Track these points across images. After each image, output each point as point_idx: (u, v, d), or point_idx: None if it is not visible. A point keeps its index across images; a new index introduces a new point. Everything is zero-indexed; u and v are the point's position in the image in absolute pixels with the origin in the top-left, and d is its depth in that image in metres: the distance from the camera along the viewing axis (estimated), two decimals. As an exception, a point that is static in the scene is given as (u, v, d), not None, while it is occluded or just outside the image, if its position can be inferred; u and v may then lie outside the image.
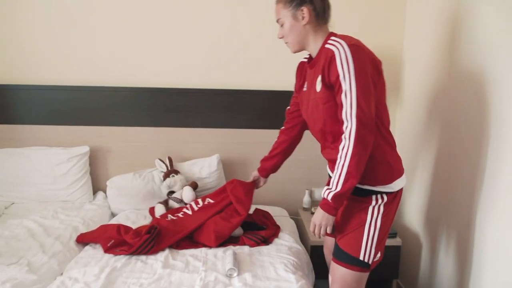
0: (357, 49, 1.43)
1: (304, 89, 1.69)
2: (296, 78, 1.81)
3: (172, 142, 2.62)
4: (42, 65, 2.55)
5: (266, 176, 2.09)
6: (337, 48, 1.43)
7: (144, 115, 2.58)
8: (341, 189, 1.44)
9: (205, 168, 2.51)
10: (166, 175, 2.38)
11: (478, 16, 1.80)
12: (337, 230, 1.65)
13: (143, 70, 2.59)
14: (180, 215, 2.16)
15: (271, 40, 2.57)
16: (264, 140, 2.63)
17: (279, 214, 2.45)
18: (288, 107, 1.95)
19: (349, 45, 1.42)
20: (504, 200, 1.61)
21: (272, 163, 2.03)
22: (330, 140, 1.59)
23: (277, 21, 1.60)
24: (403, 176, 1.62)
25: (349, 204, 1.61)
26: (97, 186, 2.62)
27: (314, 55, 1.60)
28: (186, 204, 2.30)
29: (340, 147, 1.45)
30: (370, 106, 1.42)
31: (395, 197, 1.60)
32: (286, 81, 2.59)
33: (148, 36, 2.56)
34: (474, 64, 1.82)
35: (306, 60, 1.72)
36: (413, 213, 2.43)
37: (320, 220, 1.52)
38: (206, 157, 2.58)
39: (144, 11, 2.53)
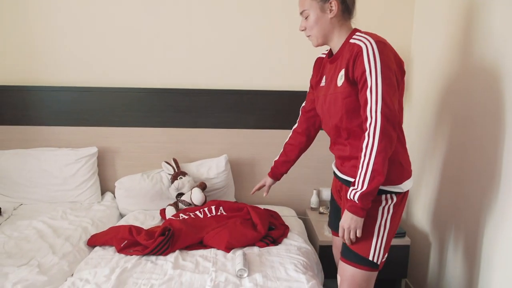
0: (384, 46, 1.43)
1: (322, 84, 1.67)
2: (313, 73, 1.77)
3: (181, 142, 2.62)
4: (51, 66, 2.56)
5: (279, 179, 2.01)
6: (365, 44, 1.43)
7: (152, 115, 2.59)
8: (367, 187, 1.41)
9: (213, 169, 2.51)
10: (174, 178, 2.38)
11: (491, 9, 1.79)
12: None
13: (152, 71, 2.59)
14: (192, 215, 2.16)
15: (280, 40, 2.59)
16: (272, 140, 2.64)
17: (287, 214, 2.45)
18: (303, 104, 1.91)
19: (376, 42, 1.42)
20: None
21: (288, 166, 1.96)
22: (344, 136, 1.57)
23: (301, 13, 1.57)
24: (411, 177, 1.62)
25: None
26: (105, 187, 2.62)
27: (336, 49, 1.58)
28: (196, 206, 2.30)
29: (364, 144, 1.42)
30: (394, 103, 1.42)
31: (403, 198, 1.59)
32: (294, 82, 2.61)
33: (157, 36, 2.56)
34: (488, 59, 1.79)
35: (324, 55, 1.71)
36: (422, 213, 2.42)
37: (348, 223, 1.47)
38: (214, 158, 2.58)
39: (154, 12, 2.53)
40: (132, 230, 1.96)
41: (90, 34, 2.54)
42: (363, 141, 1.43)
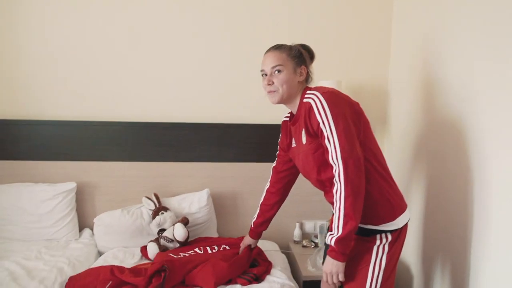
0: (331, 95, 1.50)
1: (293, 145, 1.73)
2: (282, 136, 1.84)
3: (162, 176, 2.59)
4: (29, 99, 2.52)
5: (260, 237, 2.07)
6: (313, 99, 1.51)
7: (133, 149, 2.56)
8: (342, 232, 1.43)
9: (195, 203, 2.47)
10: (155, 213, 2.34)
11: (454, 55, 1.85)
12: None
13: (134, 105, 2.58)
14: (191, 253, 2.13)
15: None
16: (254, 173, 2.63)
17: (270, 248, 2.41)
18: (274, 165, 1.95)
19: (323, 94, 1.50)
20: (496, 231, 1.61)
21: (267, 225, 2.01)
22: (328, 186, 1.59)
23: (274, 67, 1.60)
24: (406, 211, 1.63)
25: (354, 244, 1.57)
26: (84, 223, 2.55)
27: (294, 111, 1.66)
28: (178, 242, 2.26)
29: (334, 190, 1.46)
30: (354, 146, 1.45)
31: (399, 234, 1.60)
32: (274, 115, 2.62)
33: (139, 70, 2.56)
34: (451, 108, 1.86)
35: (287, 118, 1.78)
36: (407, 245, 2.41)
37: (330, 268, 1.49)
38: (196, 192, 2.54)
39: (135, 46, 2.54)
40: (114, 270, 1.89)
41: (69, 67, 2.53)
42: (333, 188, 1.47)
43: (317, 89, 1.56)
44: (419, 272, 2.24)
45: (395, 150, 2.57)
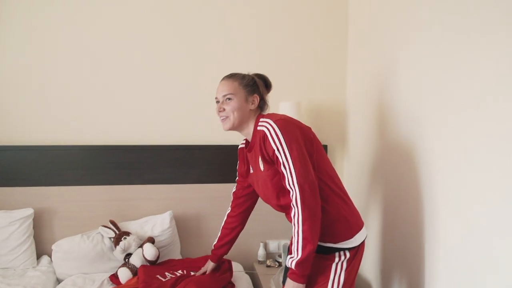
0: (283, 123, 1.56)
1: (251, 171, 1.78)
2: (239, 163, 1.89)
3: (124, 200, 2.56)
4: (-16, 125, 2.46)
5: (221, 260, 2.12)
6: (266, 127, 1.56)
7: (93, 173, 2.53)
8: (301, 255, 1.47)
9: (158, 226, 2.46)
10: (118, 239, 2.29)
11: (407, 81, 1.97)
12: None
13: (94, 128, 2.56)
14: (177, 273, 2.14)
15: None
16: (217, 194, 2.65)
17: (234, 269, 2.41)
18: (234, 190, 2.00)
19: (275, 121, 1.55)
20: (445, 245, 1.69)
21: (226, 248, 2.04)
22: (289, 209, 1.62)
23: (226, 95, 1.66)
24: (363, 229, 1.69)
25: (313, 261, 1.60)
26: (42, 250, 2.47)
27: (249, 138, 1.71)
28: (149, 262, 2.26)
29: (292, 214, 1.51)
30: (308, 170, 1.51)
31: (357, 252, 1.65)
32: (237, 136, 2.66)
33: (99, 93, 2.56)
34: (402, 131, 1.96)
35: (243, 145, 1.82)
36: (367, 262, 2.48)
37: None
38: (158, 214, 2.53)
39: (96, 69, 2.54)
40: None
41: (26, 90, 2.49)
42: (291, 212, 1.51)
43: (269, 116, 1.62)
44: (379, 285, 2.30)
45: (354, 169, 2.65)
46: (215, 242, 2.04)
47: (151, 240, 2.35)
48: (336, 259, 1.61)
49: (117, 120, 2.59)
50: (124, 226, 2.44)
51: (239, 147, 1.88)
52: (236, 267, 2.49)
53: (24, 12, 2.45)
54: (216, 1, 2.65)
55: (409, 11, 1.97)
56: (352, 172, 2.69)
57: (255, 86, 1.70)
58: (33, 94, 2.50)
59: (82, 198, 2.52)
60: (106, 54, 2.55)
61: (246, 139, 1.78)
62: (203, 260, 2.35)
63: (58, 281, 2.31)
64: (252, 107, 1.68)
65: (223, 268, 2.18)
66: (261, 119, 1.63)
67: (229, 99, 1.65)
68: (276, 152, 1.52)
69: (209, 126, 2.67)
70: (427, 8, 1.81)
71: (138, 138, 2.60)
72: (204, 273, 2.09)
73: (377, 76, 2.32)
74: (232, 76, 1.70)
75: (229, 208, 2.02)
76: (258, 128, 1.62)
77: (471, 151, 1.52)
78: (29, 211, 2.39)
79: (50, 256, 2.40)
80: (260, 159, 1.62)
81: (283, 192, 1.61)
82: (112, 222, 2.38)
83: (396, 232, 2.11)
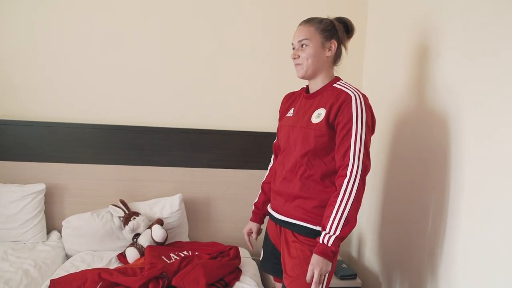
0: (368, 102, 1.54)
1: (289, 114, 1.70)
2: (281, 106, 1.80)
3: (134, 180, 2.57)
4: (-1, 98, 2.48)
5: (263, 221, 1.94)
6: (354, 95, 1.51)
7: (105, 152, 2.53)
8: (340, 232, 1.44)
9: (167, 208, 2.47)
10: (127, 219, 2.31)
11: (443, 59, 1.93)
12: (286, 273, 1.61)
13: (108, 108, 2.56)
14: (175, 256, 2.14)
15: (238, 80, 2.65)
16: (227, 180, 2.65)
17: (241, 255, 2.42)
18: (275, 141, 1.89)
19: (363, 95, 1.53)
20: (448, 241, 1.68)
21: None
22: (300, 172, 1.59)
23: (300, 40, 1.59)
24: None
25: (299, 246, 1.57)
26: (52, 226, 2.50)
27: (316, 88, 1.63)
28: (157, 243, 2.27)
29: (342, 190, 1.46)
30: (369, 154, 1.51)
31: None
32: (251, 122, 2.66)
33: (114, 73, 2.55)
34: (437, 105, 1.87)
35: (296, 91, 1.77)
36: (372, 253, 2.48)
37: (320, 266, 1.46)
38: (168, 197, 2.54)
39: (111, 49, 2.53)
40: (102, 273, 1.86)
41: (41, 66, 2.49)
42: (340, 187, 1.47)
43: (355, 87, 1.58)
44: (384, 278, 2.30)
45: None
46: (255, 201, 1.92)
47: (160, 222, 2.36)
48: None
49: (131, 101, 2.58)
50: (134, 206, 2.45)
51: (287, 93, 1.81)
52: (243, 253, 2.50)
53: (43, -13, 2.45)
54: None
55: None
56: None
57: (334, 30, 1.59)
58: (49, 71, 2.50)
59: (93, 176, 2.53)
60: (120, 33, 2.53)
61: (307, 86, 1.70)
62: (211, 245, 2.36)
63: (67, 256, 2.34)
64: (329, 53, 1.59)
65: (232, 254, 2.18)
66: (342, 81, 1.61)
67: (304, 45, 1.58)
68: (354, 121, 1.47)
69: (223, 111, 2.66)
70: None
71: (151, 120, 2.60)
72: (250, 234, 1.94)
73: (393, 73, 2.28)
74: (309, 21, 1.61)
75: (271, 161, 1.93)
76: (339, 87, 1.57)
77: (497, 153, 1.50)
78: (41, 186, 2.41)
79: (59, 231, 2.43)
80: (321, 111, 1.55)
81: (316, 152, 1.55)
82: (122, 202, 2.39)
83: (401, 223, 2.10)
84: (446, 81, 1.80)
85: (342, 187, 1.46)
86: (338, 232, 1.44)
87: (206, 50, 2.62)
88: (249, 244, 1.94)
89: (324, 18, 1.62)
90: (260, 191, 1.92)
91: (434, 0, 1.92)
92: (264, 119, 2.65)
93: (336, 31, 1.60)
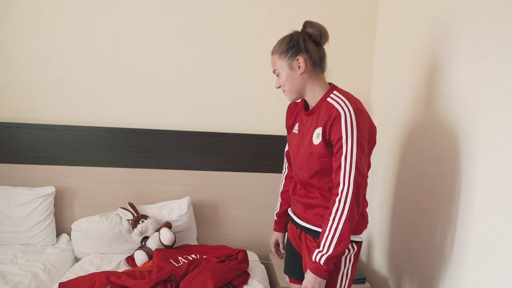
0: (361, 115, 1.47)
1: (295, 131, 1.69)
2: (287, 117, 1.77)
3: (143, 183, 2.58)
4: (9, 102, 2.49)
5: (286, 229, 1.93)
6: (343, 110, 1.46)
7: (115, 155, 2.54)
8: (333, 252, 1.43)
9: (175, 211, 2.46)
10: (136, 222, 2.32)
11: (455, 66, 1.91)
12: None
13: (117, 110, 2.57)
14: (183, 259, 2.14)
15: (247, 84, 2.64)
16: (236, 183, 2.65)
17: (249, 259, 2.41)
18: (286, 148, 1.88)
19: (355, 110, 1.46)
20: (457, 250, 1.65)
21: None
22: (315, 187, 1.59)
23: (274, 71, 1.60)
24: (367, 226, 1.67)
25: None
26: (61, 229, 2.52)
27: (313, 102, 1.59)
28: (166, 246, 2.28)
29: (334, 209, 1.45)
30: (365, 170, 1.48)
31: (360, 247, 1.63)
32: (260, 126, 2.65)
33: (123, 76, 2.56)
34: (448, 115, 1.84)
35: (298, 102, 1.72)
36: (382, 258, 2.45)
37: (312, 284, 1.47)
38: (176, 200, 2.54)
39: (119, 51, 2.54)
40: (110, 277, 1.87)
41: (52, 69, 2.50)
42: (332, 205, 1.46)
43: (347, 96, 1.52)
44: (393, 283, 2.27)
45: (375, 162, 2.60)
46: (277, 211, 1.91)
47: (168, 225, 2.36)
48: (346, 252, 1.57)
49: (141, 104, 2.59)
50: (142, 209, 2.46)
51: (290, 102, 1.75)
52: (252, 256, 2.49)
53: (53, -9, 2.46)
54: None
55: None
56: (372, 162, 2.63)
57: (295, 46, 1.54)
58: (58, 74, 2.51)
59: (103, 179, 2.54)
60: (129, 35, 2.54)
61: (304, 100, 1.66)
62: (219, 248, 2.36)
63: (76, 259, 2.35)
64: (300, 71, 1.54)
65: (240, 258, 2.18)
66: (335, 92, 1.54)
67: (278, 74, 1.59)
68: (344, 140, 1.44)
69: (232, 114, 2.65)
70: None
71: (160, 123, 2.60)
72: (277, 245, 1.95)
73: (403, 80, 2.26)
74: (273, 49, 1.60)
75: (286, 169, 1.91)
76: (331, 101, 1.51)
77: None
78: (51, 189, 2.42)
79: (69, 234, 2.44)
80: (319, 131, 1.52)
81: (323, 172, 1.53)
82: (131, 205, 2.40)
83: (410, 229, 2.07)
84: (458, 89, 1.77)
85: (335, 206, 1.46)
86: (330, 251, 1.43)
87: (216, 53, 2.61)
88: (276, 256, 1.96)
89: (284, 37, 1.58)
90: (280, 200, 1.91)
91: (445, 6, 1.89)
92: (273, 122, 2.65)
93: (298, 45, 1.54)
